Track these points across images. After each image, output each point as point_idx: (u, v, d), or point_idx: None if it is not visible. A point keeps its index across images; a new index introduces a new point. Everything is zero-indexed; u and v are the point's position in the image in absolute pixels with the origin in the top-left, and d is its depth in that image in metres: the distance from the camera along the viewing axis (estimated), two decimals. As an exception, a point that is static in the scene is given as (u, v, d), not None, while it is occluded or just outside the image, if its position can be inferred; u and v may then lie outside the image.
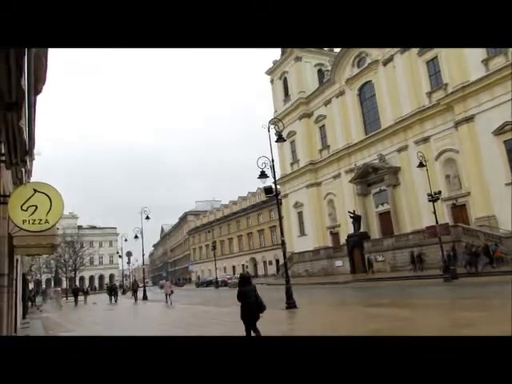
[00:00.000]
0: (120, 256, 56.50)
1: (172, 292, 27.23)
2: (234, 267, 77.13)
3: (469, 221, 32.72)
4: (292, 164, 55.77)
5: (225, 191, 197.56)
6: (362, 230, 41.17)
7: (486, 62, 31.47)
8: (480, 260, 23.99)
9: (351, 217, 41.75)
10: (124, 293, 53.90)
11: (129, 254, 54.37)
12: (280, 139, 19.49)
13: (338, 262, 42.95)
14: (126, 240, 48.16)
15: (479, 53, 31.79)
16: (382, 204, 41.84)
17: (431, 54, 36.45)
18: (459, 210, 33.90)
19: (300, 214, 54.41)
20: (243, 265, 74.24)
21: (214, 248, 56.37)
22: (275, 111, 57.41)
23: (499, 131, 30.29)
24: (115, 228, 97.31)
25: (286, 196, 56.30)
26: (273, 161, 18.64)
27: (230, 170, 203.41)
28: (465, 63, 32.82)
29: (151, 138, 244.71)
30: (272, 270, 63.77)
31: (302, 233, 53.67)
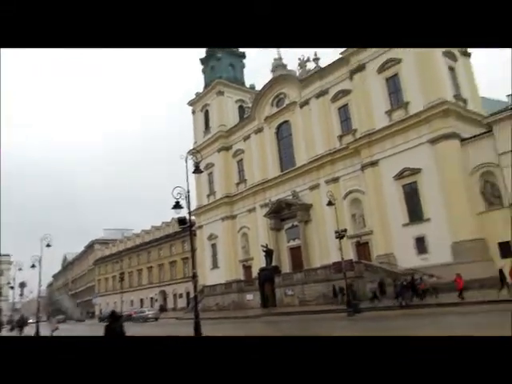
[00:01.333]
0: (11, 287, 50.86)
1: (57, 328, 25.81)
2: (142, 300, 73.45)
3: (371, 258, 34.89)
4: (208, 196, 55.70)
5: (137, 219, 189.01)
6: (273, 264, 41.83)
7: (389, 113, 34.76)
8: (406, 293, 25.18)
9: (264, 251, 42.34)
10: (12, 329, 48.34)
11: (22, 285, 49.14)
12: (197, 170, 19.37)
13: (249, 296, 42.92)
14: (20, 269, 43.58)
15: (384, 104, 35.07)
16: (294, 239, 43.14)
17: (343, 101, 39.43)
18: (363, 248, 36.12)
19: (214, 247, 54.03)
20: (152, 298, 71.08)
21: (122, 279, 53.30)
22: (195, 142, 57.49)
23: (399, 176, 33.25)
24: (8, 255, 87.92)
25: (200, 227, 55.74)
26: (188, 191, 18.37)
27: (146, 197, 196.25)
28: (372, 113, 35.95)
29: (56, 152, 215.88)
30: (182, 303, 61.80)
31: (215, 265, 53.17)
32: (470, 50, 36.79)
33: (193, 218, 57.56)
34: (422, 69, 32.44)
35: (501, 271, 22.18)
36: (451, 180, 29.86)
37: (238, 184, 51.95)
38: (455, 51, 35.15)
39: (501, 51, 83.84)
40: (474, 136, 30.95)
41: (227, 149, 53.73)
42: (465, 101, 33.66)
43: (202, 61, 60.43)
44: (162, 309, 62.59)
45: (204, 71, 60.43)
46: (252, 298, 42.38)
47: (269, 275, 40.42)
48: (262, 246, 43.00)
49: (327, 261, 36.50)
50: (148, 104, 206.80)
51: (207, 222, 55.18)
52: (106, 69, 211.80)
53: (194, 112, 59.97)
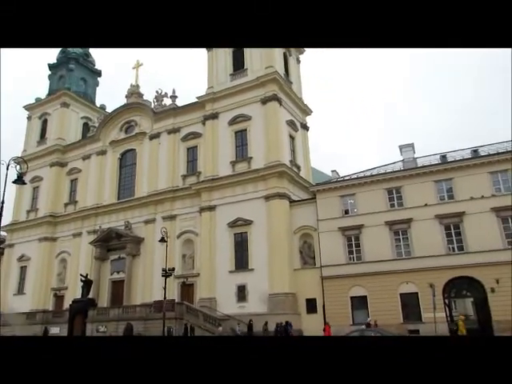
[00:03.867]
0: None
1: None
2: None
3: (194, 300, 35.07)
4: (29, 212, 49.36)
5: None
6: (90, 296, 38.52)
7: (233, 163, 36.76)
8: None
9: (82, 280, 38.76)
10: None
11: None
12: (19, 181, 17.23)
13: (55, 329, 38.26)
14: None
15: (230, 154, 37.02)
16: (118, 272, 40.78)
17: (192, 142, 40.28)
18: (188, 289, 36.13)
19: (23, 269, 47.37)
20: None
21: None
22: (24, 150, 51.16)
23: (232, 224, 34.89)
24: None
25: (11, 246, 48.58)
26: (3, 202, 15.98)
27: None
28: (217, 160, 37.49)
29: None
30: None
31: (21, 291, 46.45)
32: (308, 124, 42.08)
33: (3, 233, 50.15)
34: (267, 130, 35.54)
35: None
36: (277, 236, 32.56)
37: (66, 204, 47.42)
38: (297, 123, 39.77)
39: (334, 127, 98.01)
40: (301, 200, 34.84)
41: (62, 165, 49.10)
42: (298, 167, 37.84)
43: (50, 67, 55.35)
44: None
45: (50, 78, 55.30)
46: (58, 331, 37.88)
47: (82, 308, 36.89)
48: (82, 275, 39.33)
49: (150, 299, 35.31)
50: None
51: (21, 241, 48.40)
52: None
53: (29, 118, 53.73)
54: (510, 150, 28.31)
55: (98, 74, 58.30)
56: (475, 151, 30.70)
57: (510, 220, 26.88)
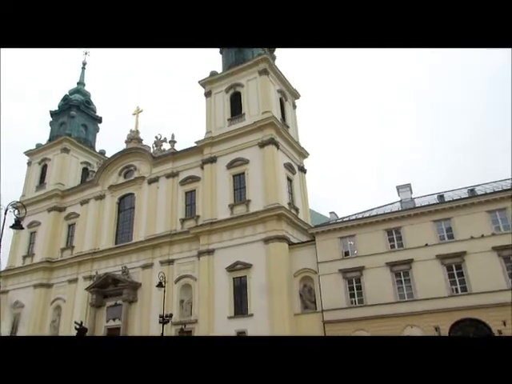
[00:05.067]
0: None
1: None
2: None
3: (192, 348, 33.88)
4: (25, 257, 48.71)
5: None
6: (85, 346, 37.27)
7: (232, 206, 36.76)
8: None
9: (76, 328, 37.53)
10: None
11: None
12: (17, 225, 17.17)
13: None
14: None
15: (228, 197, 37.10)
16: (114, 319, 39.69)
17: (191, 186, 40.48)
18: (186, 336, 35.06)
19: (17, 317, 46.07)
20: None
21: None
22: (23, 195, 51.25)
23: (231, 268, 34.39)
24: None
25: (5, 293, 47.53)
26: (-1, 248, 15.82)
27: None
28: (216, 203, 37.53)
29: None
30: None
31: (12, 342, 44.86)
32: (305, 166, 42.53)
33: (-2, 281, 49.13)
34: (265, 173, 35.84)
35: None
36: (277, 280, 32.00)
37: (63, 250, 46.90)
38: (295, 166, 40.21)
39: (332, 172, 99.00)
40: (300, 242, 34.56)
41: (60, 210, 49.03)
42: (297, 210, 37.85)
43: (52, 114, 56.63)
44: None
45: (52, 124, 56.46)
46: None
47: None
48: (76, 322, 38.12)
49: (146, 348, 34.13)
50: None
51: (15, 288, 47.41)
52: None
53: (29, 163, 54.29)
54: (506, 188, 28.51)
55: (99, 120, 59.56)
56: (472, 190, 30.88)
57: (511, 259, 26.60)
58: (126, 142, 47.17)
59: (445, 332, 26.30)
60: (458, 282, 27.43)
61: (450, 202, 29.63)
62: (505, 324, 24.96)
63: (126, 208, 45.01)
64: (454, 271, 27.65)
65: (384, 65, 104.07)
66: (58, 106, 56.88)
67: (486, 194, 28.86)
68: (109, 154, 51.13)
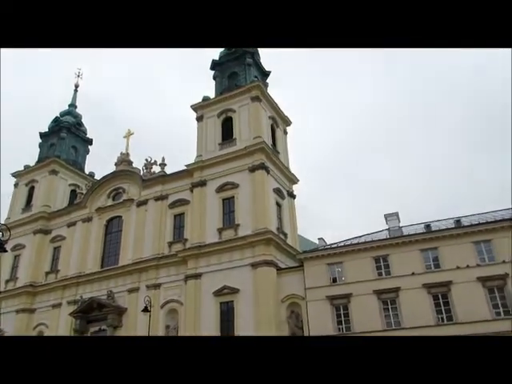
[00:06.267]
0: None
1: None
2: None
3: (177, 376, 33.09)
4: (8, 281, 47.53)
5: None
6: (66, 373, 36.18)
7: (220, 230, 36.66)
8: None
9: (59, 356, 36.65)
10: None
11: None
12: (0, 249, 16.92)
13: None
14: None
15: (217, 221, 37.04)
16: (98, 346, 38.70)
17: (180, 209, 40.35)
18: (171, 364, 34.20)
19: (-4, 344, 44.62)
20: None
21: None
22: (8, 218, 50.50)
23: (218, 293, 34.01)
24: None
25: (-14, 318, 46.13)
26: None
27: None
28: (204, 226, 37.41)
29: None
30: None
31: (-9, 368, 43.31)
32: (295, 192, 42.80)
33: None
34: (255, 198, 35.96)
35: None
36: (264, 305, 31.69)
37: (48, 273, 45.97)
38: (284, 191, 40.46)
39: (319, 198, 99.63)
40: (288, 268, 34.45)
41: (46, 232, 48.31)
42: (285, 235, 37.86)
43: (42, 135, 56.48)
44: None
45: (41, 146, 56.21)
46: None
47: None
48: (58, 349, 37.32)
49: (129, 375, 33.24)
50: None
51: (-3, 313, 46.11)
52: None
53: (16, 185, 53.70)
54: (491, 220, 29.04)
55: (89, 142, 59.51)
56: (458, 221, 31.30)
57: (495, 290, 26.84)
58: (116, 164, 47.13)
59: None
60: (443, 311, 27.50)
61: (436, 231, 29.98)
62: None
63: (113, 231, 44.55)
64: (440, 300, 27.74)
65: (374, 87, 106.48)
66: (48, 128, 56.77)
67: (471, 225, 29.29)
68: (98, 176, 51.00)
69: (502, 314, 26.21)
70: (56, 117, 57.58)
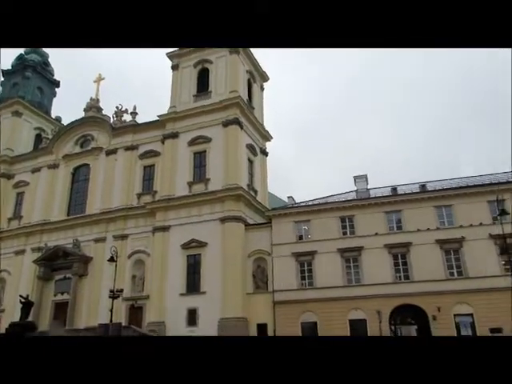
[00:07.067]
0: None
1: None
2: None
3: (142, 324, 33.80)
4: (-32, 226, 46.12)
5: None
6: (30, 319, 36.14)
7: (191, 184, 36.45)
8: None
9: (21, 302, 36.38)
10: None
11: None
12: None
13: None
14: None
15: (188, 175, 36.74)
16: (63, 293, 38.71)
17: (150, 161, 39.66)
18: (136, 312, 34.83)
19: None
20: None
21: None
22: (-33, 160, 48.23)
23: (186, 246, 34.31)
24: None
25: None
26: None
27: None
28: (174, 179, 37.07)
29: None
30: None
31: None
32: (267, 149, 42.71)
33: None
34: (227, 153, 35.69)
35: None
36: (231, 259, 32.30)
37: (10, 219, 44.82)
38: (257, 148, 40.27)
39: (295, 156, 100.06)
40: (257, 224, 34.95)
41: (8, 177, 46.62)
42: (255, 191, 38.10)
43: (4, 73, 53.13)
44: None
45: (3, 84, 53.02)
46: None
47: (20, 332, 34.57)
48: (22, 296, 36.99)
49: (95, 322, 33.62)
50: None
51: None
52: None
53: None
54: (454, 187, 30.21)
55: (56, 84, 56.60)
56: (423, 186, 32.37)
57: (452, 252, 28.40)
58: (85, 110, 45.30)
59: (386, 316, 27.75)
60: (402, 271, 28.98)
61: (401, 195, 30.96)
62: (439, 310, 26.77)
63: (80, 179, 43.50)
64: (400, 260, 29.12)
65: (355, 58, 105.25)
66: (12, 65, 53.34)
67: (434, 190, 30.40)
68: (65, 121, 48.94)
69: (455, 274, 28.00)
70: (20, 54, 53.93)
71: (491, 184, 29.29)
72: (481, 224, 28.02)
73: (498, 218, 22.53)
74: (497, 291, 25.54)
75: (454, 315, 26.92)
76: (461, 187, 29.95)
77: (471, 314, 26.67)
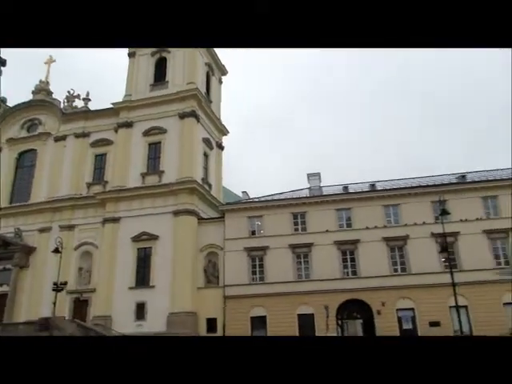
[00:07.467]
0: None
1: None
2: None
3: (87, 317, 32.73)
4: None
5: None
6: (-36, 310, 34.11)
7: (144, 175, 35.62)
8: None
9: (-44, 292, 34.30)
10: None
11: None
12: None
13: None
14: None
15: (141, 166, 35.85)
16: (2, 285, 36.68)
17: (102, 149, 38.35)
18: (81, 305, 33.67)
19: None
20: None
21: None
22: None
23: (136, 238, 33.52)
24: None
25: None
26: None
27: None
28: (127, 170, 36.05)
29: None
30: None
31: None
32: (223, 144, 42.51)
33: None
34: (182, 145, 35.18)
35: None
36: (182, 253, 31.93)
37: None
38: (213, 142, 39.99)
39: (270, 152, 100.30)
40: (210, 218, 34.76)
41: None
42: (210, 185, 37.85)
43: None
44: None
45: None
46: None
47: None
48: (-44, 286, 34.88)
49: (36, 315, 32.10)
50: None
51: None
52: None
53: None
54: (402, 187, 31.53)
55: (2, 63, 53.32)
56: (373, 185, 33.54)
57: (396, 249, 29.63)
58: (34, 92, 43.06)
59: (333, 311, 28.55)
60: (349, 266, 29.94)
61: (352, 193, 31.90)
62: (383, 305, 27.93)
63: (25, 165, 41.33)
64: (348, 256, 30.07)
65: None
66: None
67: (383, 189, 31.62)
68: (11, 103, 46.25)
69: (399, 270, 29.31)
70: (-38, 29, 50.53)
71: (434, 185, 30.83)
72: (424, 223, 29.41)
73: (440, 217, 23.66)
74: (436, 287, 26.95)
75: (397, 310, 28.22)
76: (406, 187, 31.34)
77: (412, 309, 28.05)
